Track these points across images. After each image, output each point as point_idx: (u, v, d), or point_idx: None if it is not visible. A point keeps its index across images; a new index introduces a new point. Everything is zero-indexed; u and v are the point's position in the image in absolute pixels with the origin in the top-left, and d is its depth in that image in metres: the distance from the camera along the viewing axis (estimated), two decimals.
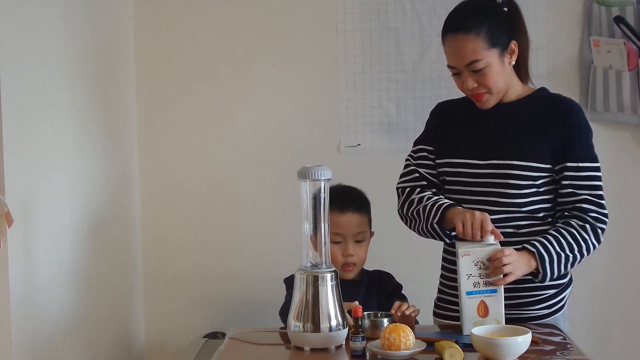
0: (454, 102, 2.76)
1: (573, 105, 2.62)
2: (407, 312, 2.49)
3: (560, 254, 2.49)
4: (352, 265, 2.78)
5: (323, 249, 2.41)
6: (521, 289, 2.60)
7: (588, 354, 2.36)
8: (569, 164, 2.54)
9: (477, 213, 2.46)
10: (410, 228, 2.70)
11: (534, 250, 2.48)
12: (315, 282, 2.36)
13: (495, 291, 2.42)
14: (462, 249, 2.42)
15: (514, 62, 2.58)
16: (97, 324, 3.21)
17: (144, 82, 3.69)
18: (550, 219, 2.58)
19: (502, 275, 2.41)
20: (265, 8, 3.64)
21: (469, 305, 2.42)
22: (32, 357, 2.65)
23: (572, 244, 2.50)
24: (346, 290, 2.67)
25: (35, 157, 2.70)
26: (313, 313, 2.34)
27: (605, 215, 2.55)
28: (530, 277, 2.53)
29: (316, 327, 2.34)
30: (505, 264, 2.40)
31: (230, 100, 3.68)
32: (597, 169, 2.56)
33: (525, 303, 2.60)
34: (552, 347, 2.38)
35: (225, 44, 3.66)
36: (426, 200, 2.62)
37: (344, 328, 2.37)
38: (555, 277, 2.52)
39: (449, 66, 2.57)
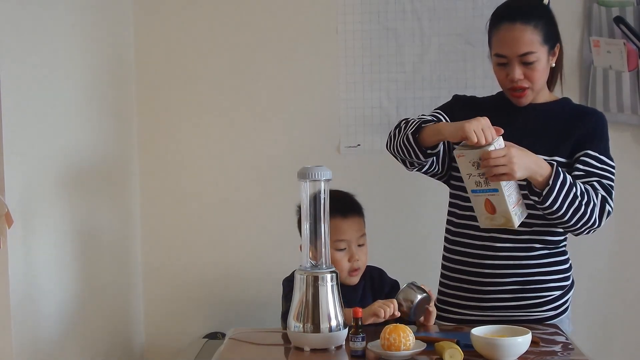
0: (477, 99, 2.77)
1: (598, 112, 2.69)
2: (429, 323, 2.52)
3: (571, 188, 2.46)
4: (358, 270, 2.73)
5: (323, 250, 2.41)
6: (527, 290, 2.61)
7: (589, 354, 2.36)
8: (589, 152, 2.57)
9: (479, 118, 2.40)
10: (389, 148, 2.67)
11: (553, 163, 2.47)
12: (315, 283, 2.36)
13: (496, 190, 2.40)
14: (456, 151, 2.43)
15: (553, 65, 2.62)
16: (97, 324, 3.21)
17: (144, 82, 3.69)
18: None
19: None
20: (266, 8, 3.64)
21: (477, 202, 2.45)
22: (32, 357, 2.65)
23: (583, 192, 2.49)
24: (345, 294, 2.68)
25: (35, 157, 2.70)
26: (313, 313, 2.34)
27: (611, 205, 2.54)
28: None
29: (316, 328, 2.34)
30: (496, 165, 2.36)
31: (230, 101, 3.68)
32: (613, 168, 2.59)
33: (530, 305, 2.61)
34: (552, 348, 2.38)
35: (225, 44, 3.66)
36: (412, 121, 2.61)
37: (344, 328, 2.37)
38: (555, 207, 2.44)
39: (496, 55, 2.58)
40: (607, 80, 3.47)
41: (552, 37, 2.59)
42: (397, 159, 2.69)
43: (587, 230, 2.55)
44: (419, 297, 2.48)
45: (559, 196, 2.44)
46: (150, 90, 3.69)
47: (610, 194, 2.55)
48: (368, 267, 2.81)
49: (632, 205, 3.59)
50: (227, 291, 3.71)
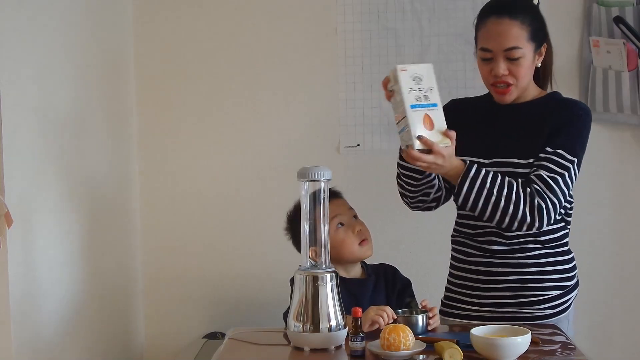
0: (469, 100, 2.77)
1: (579, 103, 2.67)
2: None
3: (484, 183, 2.48)
4: (366, 240, 2.75)
5: (323, 250, 2.41)
6: (525, 289, 2.61)
7: (589, 354, 2.36)
8: (547, 148, 2.54)
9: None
10: (400, 194, 2.74)
11: (466, 163, 2.49)
12: (315, 283, 2.36)
13: (436, 105, 2.46)
14: (399, 65, 2.48)
15: (539, 65, 2.62)
16: (97, 324, 3.21)
17: (144, 82, 3.69)
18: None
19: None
20: (265, 9, 3.64)
21: (414, 118, 2.45)
22: (32, 357, 2.65)
23: (503, 186, 2.48)
24: (354, 289, 2.68)
25: (35, 157, 2.70)
26: (313, 313, 2.34)
27: (552, 201, 2.49)
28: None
29: (316, 328, 2.34)
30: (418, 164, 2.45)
31: (230, 101, 3.68)
32: (570, 162, 2.53)
33: (528, 302, 2.60)
34: (552, 348, 2.38)
35: (225, 45, 3.66)
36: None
37: (344, 328, 2.37)
38: (468, 204, 2.50)
39: (481, 49, 2.57)
40: (607, 80, 3.47)
41: (539, 36, 2.58)
42: (409, 200, 2.73)
43: (520, 227, 2.51)
44: (420, 319, 2.47)
45: (470, 192, 2.48)
46: (150, 90, 3.69)
47: (551, 188, 2.49)
48: (382, 264, 2.83)
49: (632, 205, 3.59)
50: (227, 291, 3.71)
